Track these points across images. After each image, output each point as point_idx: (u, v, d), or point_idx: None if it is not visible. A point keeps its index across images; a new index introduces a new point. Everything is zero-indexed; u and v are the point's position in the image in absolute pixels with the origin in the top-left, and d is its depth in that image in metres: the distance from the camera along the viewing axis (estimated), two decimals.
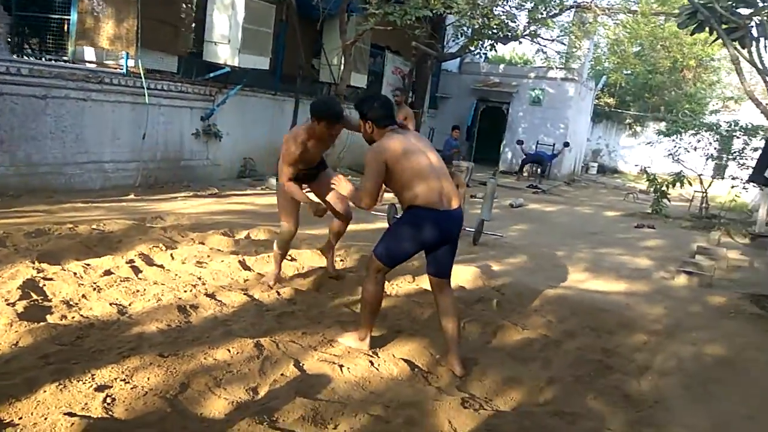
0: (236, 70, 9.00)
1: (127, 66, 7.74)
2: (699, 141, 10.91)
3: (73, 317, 3.38)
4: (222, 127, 9.52)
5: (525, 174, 15.61)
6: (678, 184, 10.66)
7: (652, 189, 11.05)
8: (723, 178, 18.33)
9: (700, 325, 4.58)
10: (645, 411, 3.07)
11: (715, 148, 11.62)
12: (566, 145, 16.37)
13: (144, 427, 2.39)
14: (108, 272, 4.14)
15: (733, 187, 10.63)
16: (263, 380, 2.94)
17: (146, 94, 7.84)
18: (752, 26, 5.45)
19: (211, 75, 8.94)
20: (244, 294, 4.06)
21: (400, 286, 4.70)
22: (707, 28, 5.73)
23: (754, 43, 5.45)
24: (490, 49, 13.02)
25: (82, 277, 4.00)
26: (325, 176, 4.13)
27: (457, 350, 3.28)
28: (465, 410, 2.83)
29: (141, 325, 3.37)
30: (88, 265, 4.23)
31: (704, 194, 10.75)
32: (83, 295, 3.69)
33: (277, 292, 4.17)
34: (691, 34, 6.00)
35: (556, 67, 16.05)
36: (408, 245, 3.25)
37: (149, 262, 4.51)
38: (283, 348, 3.28)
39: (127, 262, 4.35)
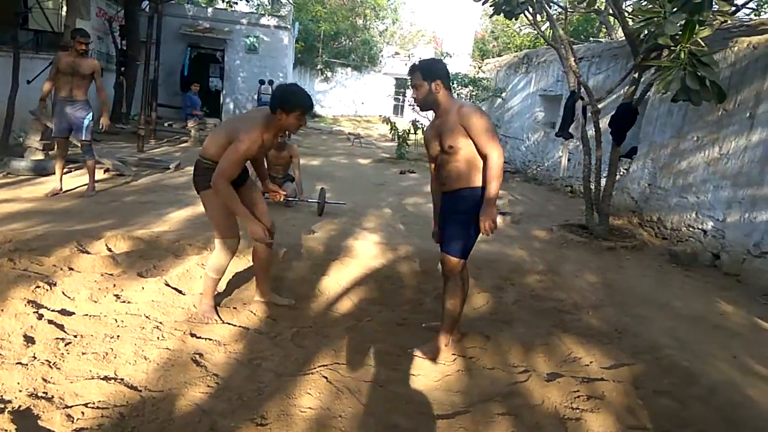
0: None
1: None
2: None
3: (83, 413, 2.46)
4: None
5: None
6: (414, 130, 12.13)
7: (393, 135, 12.29)
8: (401, 116, 21.23)
9: (557, 258, 5.70)
10: (623, 341, 3.87)
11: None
12: (261, 82, 16.25)
13: None
14: (29, 339, 3.00)
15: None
16: (377, 417, 2.73)
17: None
18: None
19: None
20: (224, 323, 3.47)
21: (349, 271, 4.57)
22: None
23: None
24: None
25: (3, 356, 2.83)
26: (250, 184, 3.58)
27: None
28: (549, 383, 3.17)
29: (179, 398, 2.66)
30: None
31: None
32: (44, 379, 2.67)
33: (250, 311, 3.66)
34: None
35: (269, 15, 15.92)
36: (476, 230, 3.18)
37: (55, 310, 3.38)
38: (344, 374, 3.05)
39: (38, 318, 3.19)
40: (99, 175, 7.94)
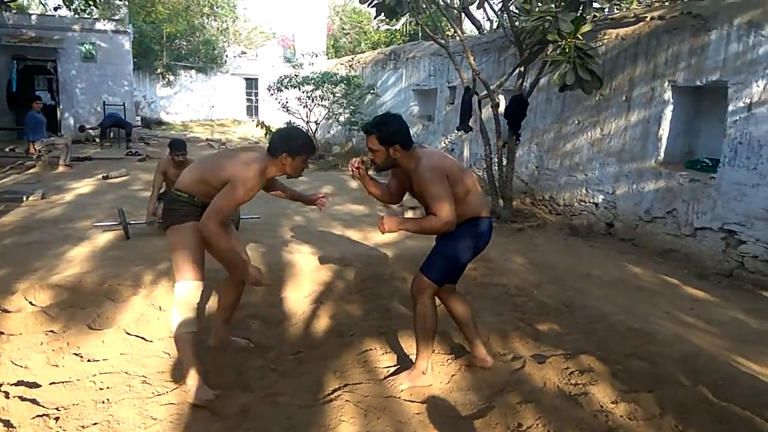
0: None
1: None
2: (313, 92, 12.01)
3: None
4: None
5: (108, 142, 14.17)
6: None
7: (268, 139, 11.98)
8: (255, 117, 20.84)
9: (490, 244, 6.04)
10: (575, 314, 4.26)
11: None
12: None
13: None
14: (6, 423, 2.58)
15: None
16: (418, 430, 2.77)
17: None
18: None
19: None
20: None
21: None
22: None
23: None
24: (88, 6, 10.81)
25: None
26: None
27: (482, 344, 3.41)
28: (543, 365, 3.42)
29: None
30: None
31: (313, 137, 12.39)
32: None
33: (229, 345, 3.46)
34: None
35: (104, 19, 14.64)
36: (467, 259, 3.20)
37: (12, 383, 2.92)
38: (363, 394, 3.03)
39: (5, 396, 2.74)
40: None
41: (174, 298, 2.97)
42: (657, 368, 3.42)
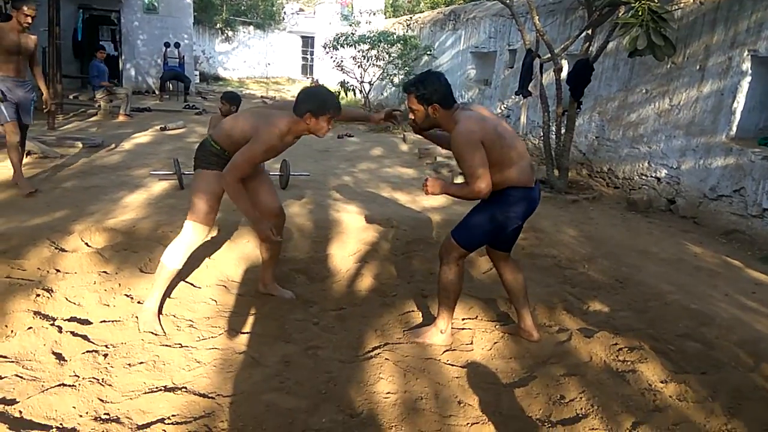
0: None
1: None
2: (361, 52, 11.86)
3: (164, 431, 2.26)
4: None
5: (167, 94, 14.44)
6: (344, 92, 11.87)
7: None
8: (310, 76, 20.79)
9: (542, 214, 5.88)
10: (628, 290, 4.10)
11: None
12: (167, 45, 15.05)
13: None
14: (59, 356, 2.68)
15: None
16: (456, 394, 2.73)
17: None
18: None
19: None
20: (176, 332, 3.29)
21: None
22: None
23: None
24: None
25: (40, 378, 2.51)
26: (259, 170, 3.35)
27: (530, 317, 3.31)
28: (590, 340, 3.31)
29: (257, 401, 2.51)
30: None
31: (366, 98, 12.28)
32: (100, 399, 2.41)
33: (278, 296, 3.49)
34: None
35: None
36: (500, 228, 3.04)
37: (65, 319, 3.03)
38: (403, 354, 3.00)
39: (58, 331, 2.85)
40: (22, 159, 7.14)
41: (180, 233, 3.12)
42: (712, 351, 3.27)
